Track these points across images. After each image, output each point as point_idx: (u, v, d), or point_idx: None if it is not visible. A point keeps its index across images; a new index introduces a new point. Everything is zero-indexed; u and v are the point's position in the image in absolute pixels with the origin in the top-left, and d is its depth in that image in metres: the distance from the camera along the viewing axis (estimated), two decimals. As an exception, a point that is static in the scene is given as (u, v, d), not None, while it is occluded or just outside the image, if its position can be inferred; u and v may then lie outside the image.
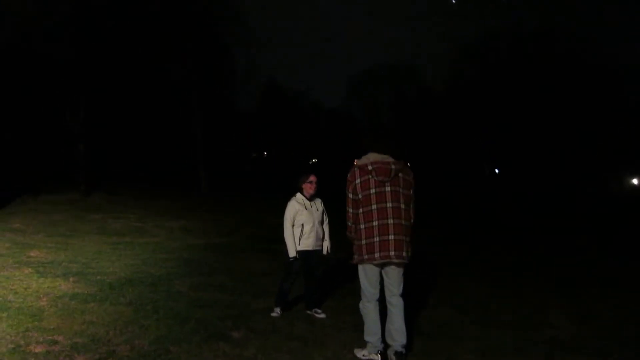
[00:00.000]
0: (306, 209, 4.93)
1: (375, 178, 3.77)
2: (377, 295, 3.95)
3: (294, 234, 4.91)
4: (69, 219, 10.76)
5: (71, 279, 5.66)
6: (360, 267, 3.95)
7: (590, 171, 31.05)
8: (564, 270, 9.08)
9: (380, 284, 3.95)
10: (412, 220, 3.86)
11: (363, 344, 4.08)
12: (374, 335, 3.91)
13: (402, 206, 3.76)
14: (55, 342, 3.87)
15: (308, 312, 5.16)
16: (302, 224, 4.92)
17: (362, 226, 3.82)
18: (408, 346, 4.00)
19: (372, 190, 3.78)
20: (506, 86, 32.40)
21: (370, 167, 3.81)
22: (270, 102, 49.26)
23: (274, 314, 4.99)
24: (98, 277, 5.84)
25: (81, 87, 16.35)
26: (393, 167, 3.78)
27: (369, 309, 3.93)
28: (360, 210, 3.83)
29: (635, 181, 40.86)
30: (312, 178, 4.96)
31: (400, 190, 3.78)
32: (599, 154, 30.83)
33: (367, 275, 3.91)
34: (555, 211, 18.50)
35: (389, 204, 3.74)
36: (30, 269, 5.96)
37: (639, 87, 33.44)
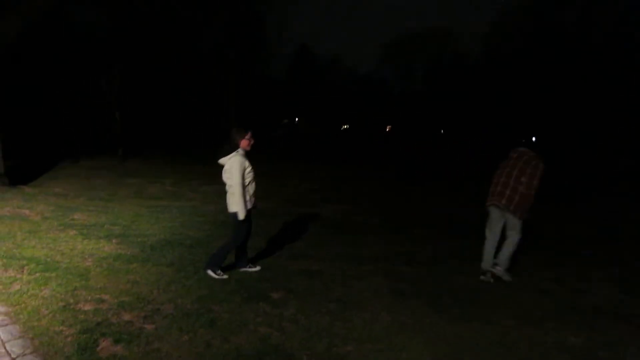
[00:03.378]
0: (250, 165, 4.77)
1: (514, 159, 5.40)
2: (490, 235, 5.50)
3: (244, 194, 4.69)
4: (107, 183, 11.04)
5: (114, 241, 5.82)
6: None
7: (626, 143, 29.64)
8: (610, 239, 8.84)
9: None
10: (529, 191, 5.19)
11: (402, 306, 4.37)
12: (484, 261, 5.51)
13: (523, 179, 5.21)
14: (103, 301, 4.00)
15: (243, 269, 5.06)
16: (249, 182, 4.75)
17: (494, 181, 5.49)
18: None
19: (509, 163, 5.42)
20: (548, 55, 30.90)
21: (512, 154, 5.48)
22: (301, 68, 48.80)
23: (219, 277, 4.75)
24: (139, 239, 5.98)
25: (117, 55, 16.51)
26: (526, 156, 5.33)
27: (485, 243, 5.53)
28: (497, 172, 5.50)
29: None
30: (249, 134, 4.76)
31: (528, 169, 5.21)
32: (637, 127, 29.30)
33: (489, 217, 5.53)
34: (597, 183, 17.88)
35: (515, 173, 5.28)
36: (74, 231, 6.16)
37: None
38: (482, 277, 5.47)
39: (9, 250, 5.17)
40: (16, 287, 4.18)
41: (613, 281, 5.80)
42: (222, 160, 4.75)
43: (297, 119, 52.27)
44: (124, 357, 3.20)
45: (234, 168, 4.62)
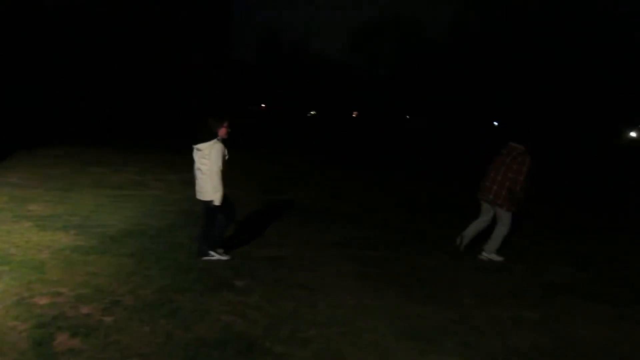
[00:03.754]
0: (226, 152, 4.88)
1: (503, 155, 5.72)
2: (480, 218, 5.90)
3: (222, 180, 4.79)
4: (67, 172, 10.66)
5: (72, 232, 5.64)
6: None
7: (592, 125, 30.54)
8: (566, 220, 9.14)
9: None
10: (514, 186, 5.49)
11: (366, 290, 4.39)
12: (465, 230, 5.93)
13: (509, 175, 5.53)
14: (60, 294, 3.89)
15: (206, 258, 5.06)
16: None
17: (485, 175, 5.85)
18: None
19: (498, 159, 5.74)
20: (512, 39, 31.35)
21: (503, 150, 5.80)
22: (268, 53, 48.36)
23: (223, 258, 4.99)
24: (98, 230, 5.82)
25: (96, 44, 15.95)
26: (514, 152, 5.62)
27: (475, 221, 5.95)
28: (490, 166, 5.85)
29: (633, 134, 40.84)
30: (227, 123, 4.85)
31: (514, 166, 5.52)
32: (600, 108, 30.19)
33: (481, 206, 5.93)
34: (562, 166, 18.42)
35: (502, 169, 5.61)
36: (30, 223, 5.93)
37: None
38: (456, 240, 5.96)
39: (-41, 245, 4.94)
40: (-34, 282, 4.00)
41: (574, 263, 6.02)
42: (200, 146, 4.75)
43: (263, 106, 51.80)
44: (81, 350, 3.12)
45: (216, 155, 4.68)
